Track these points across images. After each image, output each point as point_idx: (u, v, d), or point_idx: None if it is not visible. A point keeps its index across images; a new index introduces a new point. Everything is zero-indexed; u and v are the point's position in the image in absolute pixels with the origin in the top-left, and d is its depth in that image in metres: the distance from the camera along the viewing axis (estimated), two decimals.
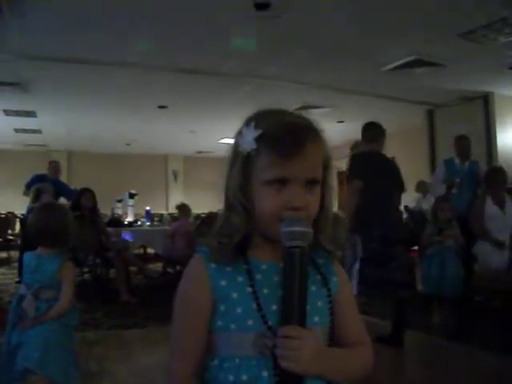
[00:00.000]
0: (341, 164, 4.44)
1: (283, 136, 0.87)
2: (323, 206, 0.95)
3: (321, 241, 0.95)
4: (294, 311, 0.85)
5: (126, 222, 7.54)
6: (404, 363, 3.52)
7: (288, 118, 0.93)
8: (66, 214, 2.43)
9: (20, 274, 6.19)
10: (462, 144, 5.44)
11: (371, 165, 3.82)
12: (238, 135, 0.94)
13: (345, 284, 1.02)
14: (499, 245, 4.57)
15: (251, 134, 0.90)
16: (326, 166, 0.96)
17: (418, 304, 4.83)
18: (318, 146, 0.92)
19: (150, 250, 8.08)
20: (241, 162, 0.92)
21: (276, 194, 0.88)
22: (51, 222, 2.28)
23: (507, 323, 4.08)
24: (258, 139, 0.89)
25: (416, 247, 6.79)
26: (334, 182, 1.00)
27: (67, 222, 2.36)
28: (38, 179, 6.82)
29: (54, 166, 7.15)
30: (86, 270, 6.04)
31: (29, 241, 2.79)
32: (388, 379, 2.96)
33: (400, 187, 3.96)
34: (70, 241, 2.36)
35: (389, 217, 3.75)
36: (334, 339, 0.96)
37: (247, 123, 0.93)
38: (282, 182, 0.88)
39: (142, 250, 7.98)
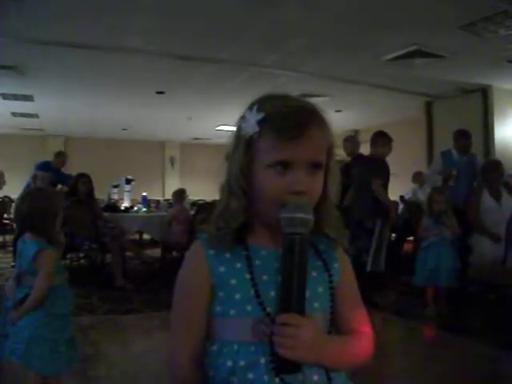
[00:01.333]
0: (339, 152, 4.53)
1: (285, 118, 0.87)
2: (326, 192, 0.94)
3: (323, 227, 0.94)
4: (292, 298, 0.84)
5: (122, 208, 7.52)
6: (398, 353, 3.55)
7: (291, 102, 0.92)
8: (50, 199, 2.36)
9: (15, 258, 6.21)
10: (465, 143, 5.44)
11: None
12: (241, 119, 0.94)
13: (347, 271, 1.01)
14: (495, 238, 4.59)
15: (254, 118, 0.90)
16: (330, 152, 0.95)
17: (413, 295, 4.87)
18: (322, 129, 0.91)
19: (146, 236, 8.09)
20: (243, 146, 0.91)
21: (279, 177, 0.88)
22: (29, 208, 2.27)
23: (501, 315, 4.12)
24: (260, 122, 0.89)
25: (412, 238, 6.84)
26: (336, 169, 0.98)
27: (48, 208, 2.29)
28: (41, 166, 6.92)
29: (63, 160, 7.22)
30: (82, 255, 6.05)
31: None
32: (382, 369, 2.98)
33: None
34: (53, 227, 2.28)
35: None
36: (335, 326, 0.96)
37: (250, 107, 0.93)
38: (284, 165, 0.88)
39: (137, 236, 7.99)
